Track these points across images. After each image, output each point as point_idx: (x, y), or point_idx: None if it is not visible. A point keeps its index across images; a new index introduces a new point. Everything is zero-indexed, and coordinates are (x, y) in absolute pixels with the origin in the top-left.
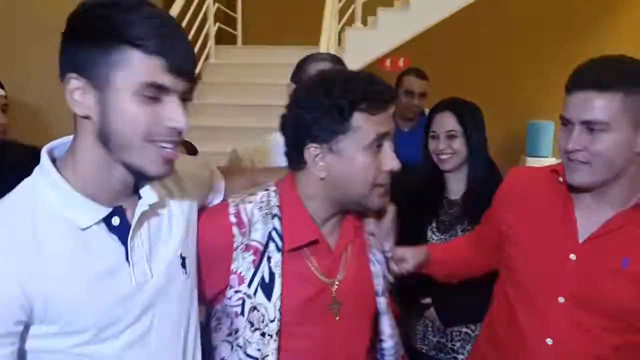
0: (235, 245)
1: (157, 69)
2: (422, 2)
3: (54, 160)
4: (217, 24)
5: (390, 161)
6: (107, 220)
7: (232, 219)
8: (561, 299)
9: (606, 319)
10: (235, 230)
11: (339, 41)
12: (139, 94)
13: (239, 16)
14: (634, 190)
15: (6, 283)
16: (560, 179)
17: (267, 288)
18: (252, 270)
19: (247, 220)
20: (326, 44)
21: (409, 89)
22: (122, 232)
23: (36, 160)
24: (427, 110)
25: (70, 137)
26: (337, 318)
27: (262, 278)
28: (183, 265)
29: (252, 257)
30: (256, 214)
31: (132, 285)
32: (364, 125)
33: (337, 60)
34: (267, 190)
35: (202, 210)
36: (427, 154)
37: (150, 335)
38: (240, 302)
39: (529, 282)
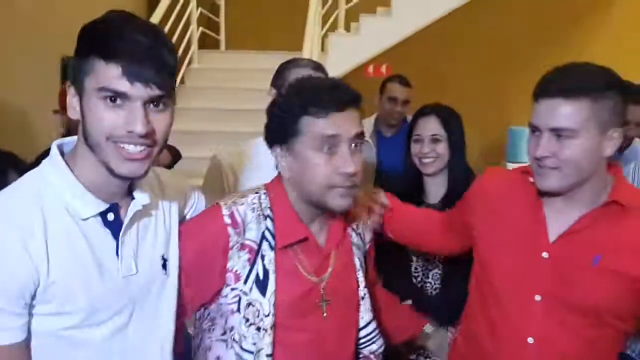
0: (231, 244)
1: (113, 75)
2: (405, 9)
3: (62, 155)
4: (200, 28)
5: (344, 164)
6: (103, 214)
7: (227, 219)
8: (537, 297)
9: (582, 315)
10: (230, 230)
11: (322, 47)
12: (98, 98)
13: (222, 21)
14: (601, 190)
15: (22, 261)
16: (531, 179)
17: (261, 285)
18: (247, 268)
19: (241, 220)
20: (309, 49)
21: (392, 96)
22: (115, 228)
23: (10, 166)
24: (409, 117)
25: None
26: (325, 315)
27: (257, 275)
28: (164, 266)
29: (247, 256)
30: (249, 214)
31: (119, 277)
32: (312, 128)
33: (317, 66)
34: (257, 193)
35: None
36: (409, 158)
37: (128, 328)
38: (236, 299)
39: (504, 281)
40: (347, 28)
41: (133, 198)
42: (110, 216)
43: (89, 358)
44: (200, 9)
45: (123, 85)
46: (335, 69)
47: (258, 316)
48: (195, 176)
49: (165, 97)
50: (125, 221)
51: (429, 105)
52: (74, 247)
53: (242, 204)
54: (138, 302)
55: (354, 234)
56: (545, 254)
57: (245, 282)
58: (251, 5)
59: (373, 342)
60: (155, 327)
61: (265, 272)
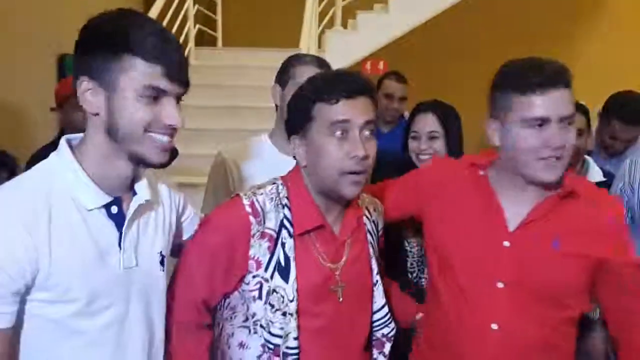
0: (252, 232)
1: (156, 74)
2: (402, 6)
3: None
4: (197, 25)
5: (355, 148)
6: (107, 207)
7: (248, 209)
8: (500, 284)
9: (543, 299)
10: (251, 218)
11: (319, 44)
12: (140, 94)
13: (219, 18)
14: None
15: (20, 246)
16: (481, 172)
17: (284, 271)
18: (267, 256)
19: (260, 209)
20: (306, 46)
21: (388, 92)
22: (119, 220)
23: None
24: (406, 114)
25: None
26: (341, 299)
27: (278, 262)
28: (162, 262)
29: (267, 244)
30: (268, 204)
31: (120, 269)
32: (324, 113)
33: (322, 63)
34: (274, 184)
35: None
36: (406, 154)
37: (125, 320)
38: (258, 286)
39: (466, 271)
40: (344, 25)
41: (134, 193)
42: (114, 209)
43: (84, 347)
44: (197, 6)
45: (164, 83)
46: (333, 65)
47: (283, 302)
48: (192, 174)
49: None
50: (129, 214)
51: (427, 102)
52: (77, 236)
53: (262, 194)
54: (136, 295)
55: (368, 222)
56: (506, 243)
57: (266, 269)
58: (248, 2)
59: (386, 326)
60: (150, 320)
61: (287, 259)
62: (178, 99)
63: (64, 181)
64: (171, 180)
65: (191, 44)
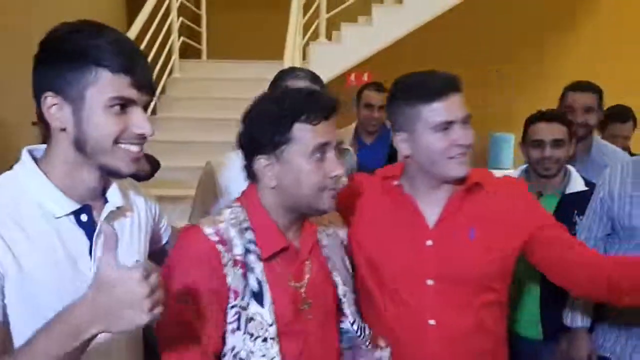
0: (224, 261)
1: (123, 85)
2: (385, 18)
3: (33, 158)
4: (182, 38)
5: (334, 167)
6: (76, 215)
7: (214, 237)
8: (429, 282)
9: (471, 288)
10: (219, 247)
11: (304, 56)
12: (108, 106)
13: (203, 30)
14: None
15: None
16: (395, 182)
17: (258, 296)
18: (243, 283)
19: (226, 237)
20: (291, 58)
21: (368, 103)
22: (89, 229)
23: None
24: (388, 123)
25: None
26: (310, 317)
27: (252, 289)
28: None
29: (241, 271)
30: (231, 230)
31: (88, 277)
32: (305, 135)
33: (314, 78)
34: (231, 207)
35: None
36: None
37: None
38: (236, 316)
39: (396, 275)
40: (329, 37)
41: (106, 201)
42: (84, 217)
43: None
44: (181, 18)
45: (132, 93)
46: None
47: (262, 327)
48: (177, 186)
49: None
50: (100, 221)
51: None
52: (48, 244)
53: (222, 221)
54: None
55: (324, 236)
56: (429, 242)
57: (243, 297)
58: (232, 14)
59: (360, 335)
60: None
61: (259, 283)
62: (145, 107)
63: (30, 191)
64: (147, 191)
65: (175, 56)
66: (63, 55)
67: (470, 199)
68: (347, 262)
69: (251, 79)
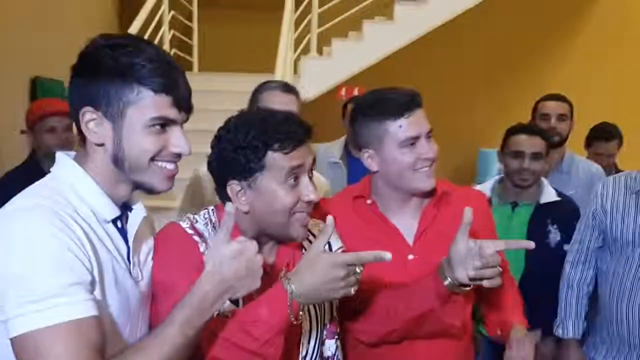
0: (202, 250)
1: (165, 105)
2: (375, 34)
3: None
4: (173, 50)
5: (308, 192)
6: (114, 221)
7: (190, 230)
8: None
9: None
10: (197, 238)
11: (295, 70)
12: (149, 126)
13: (194, 43)
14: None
15: (77, 248)
16: (369, 201)
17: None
18: None
19: (201, 232)
20: (281, 72)
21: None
22: (124, 235)
23: None
24: None
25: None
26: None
27: None
28: (150, 275)
29: None
30: (204, 229)
31: (132, 280)
32: (278, 162)
33: (288, 88)
34: (205, 209)
35: None
36: None
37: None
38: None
39: (380, 295)
40: (320, 52)
41: (127, 209)
42: (119, 223)
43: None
44: (172, 31)
45: (172, 112)
46: (308, 91)
47: None
48: (167, 197)
49: None
50: (133, 228)
51: None
52: (105, 247)
53: (197, 221)
54: (141, 308)
55: (308, 245)
56: (410, 256)
57: None
58: (224, 27)
59: (328, 349)
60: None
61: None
62: (182, 124)
63: (81, 194)
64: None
65: None
66: (103, 71)
67: (441, 209)
68: None
69: (242, 92)
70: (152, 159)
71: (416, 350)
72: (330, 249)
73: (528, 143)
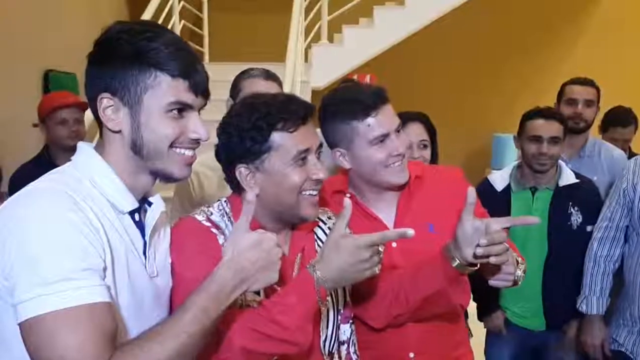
0: (221, 242)
1: (182, 89)
2: (387, 20)
3: None
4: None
5: (316, 171)
6: (132, 214)
7: (206, 223)
8: None
9: None
10: (214, 230)
11: (306, 58)
12: (166, 111)
13: (205, 33)
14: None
15: (92, 234)
16: (347, 194)
17: None
18: None
19: (217, 223)
20: (293, 60)
21: None
22: (141, 228)
23: None
24: None
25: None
26: None
27: None
28: (171, 273)
29: None
30: (220, 220)
31: (147, 276)
32: (284, 142)
33: (269, 75)
34: (218, 201)
35: None
36: None
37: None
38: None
39: (370, 283)
40: (331, 39)
41: (146, 203)
42: (137, 216)
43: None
44: (183, 21)
45: (190, 97)
46: (319, 79)
47: None
48: (170, 189)
49: None
50: (151, 222)
51: (409, 112)
52: (121, 238)
53: (212, 213)
54: (157, 304)
55: (320, 232)
56: (394, 244)
57: None
58: (234, 17)
59: (343, 333)
60: None
61: None
62: (199, 111)
63: (100, 183)
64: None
65: None
66: (120, 57)
67: (417, 194)
68: None
69: None
70: (171, 146)
71: (411, 334)
72: None
73: (545, 128)
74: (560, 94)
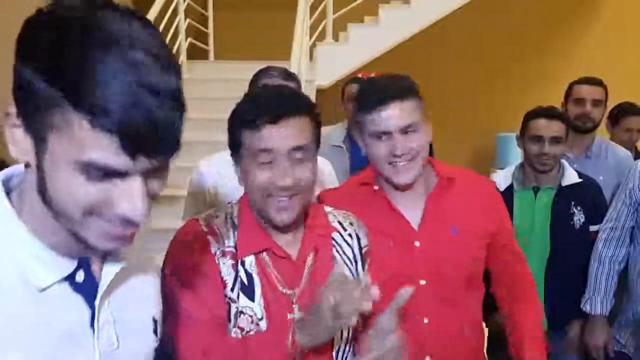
0: (213, 250)
1: (106, 146)
2: (392, 19)
3: (8, 192)
4: (189, 39)
5: (278, 177)
6: (69, 276)
7: (205, 228)
8: (422, 282)
9: (462, 284)
10: (210, 237)
11: (311, 56)
12: (79, 169)
13: (210, 31)
14: (429, 174)
15: None
16: (375, 187)
17: (248, 290)
18: (232, 274)
19: (218, 231)
20: (298, 59)
21: (351, 95)
22: (88, 290)
23: None
24: None
25: None
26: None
27: (242, 282)
28: (155, 331)
29: (230, 261)
30: (222, 227)
31: (96, 356)
32: (250, 140)
33: (288, 75)
34: (229, 203)
35: None
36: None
37: None
38: (227, 307)
39: (391, 279)
40: (336, 38)
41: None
42: (80, 276)
43: None
44: (188, 19)
45: (121, 161)
46: (324, 78)
47: (252, 322)
48: (183, 187)
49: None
50: (103, 284)
51: None
52: (26, 327)
53: (217, 217)
54: None
55: (340, 240)
56: (417, 243)
57: (232, 289)
58: (239, 15)
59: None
60: None
61: (249, 277)
62: (156, 170)
63: (5, 249)
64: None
65: (183, 57)
66: (31, 62)
67: (446, 195)
68: (360, 269)
69: None
70: (89, 213)
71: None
72: (359, 243)
73: (547, 127)
74: (568, 93)
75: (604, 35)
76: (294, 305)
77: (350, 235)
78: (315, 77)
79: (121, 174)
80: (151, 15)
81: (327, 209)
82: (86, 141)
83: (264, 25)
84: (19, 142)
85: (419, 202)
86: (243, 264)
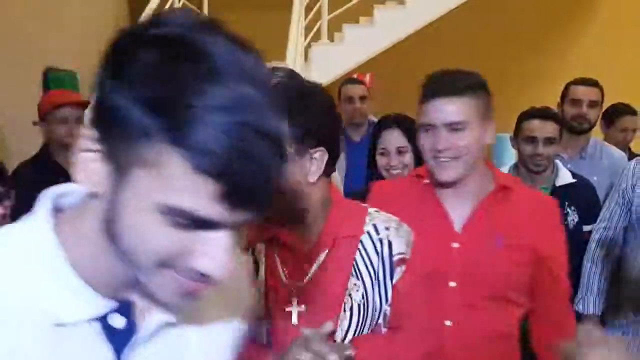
0: None
1: (205, 195)
2: (387, 19)
3: (58, 210)
4: None
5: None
6: (103, 318)
7: None
8: (452, 284)
9: (490, 294)
10: None
11: (306, 57)
12: (162, 212)
13: None
14: (485, 179)
15: None
16: (426, 180)
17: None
18: None
19: None
20: (293, 59)
21: (348, 96)
22: (121, 340)
23: None
24: (371, 117)
25: None
26: (295, 322)
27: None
28: None
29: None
30: None
31: None
32: None
33: (292, 75)
34: None
35: None
36: (375, 169)
37: None
38: None
39: (422, 275)
40: (331, 38)
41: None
42: (116, 321)
43: None
44: None
45: (216, 211)
46: (319, 78)
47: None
48: None
49: None
50: (143, 332)
51: (390, 117)
52: None
53: None
54: None
55: (368, 243)
56: (455, 244)
57: None
58: (234, 15)
59: None
60: None
61: (255, 262)
62: (239, 225)
63: (32, 277)
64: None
65: None
66: (131, 82)
67: (499, 204)
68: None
69: None
70: (161, 265)
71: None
72: (390, 250)
73: (540, 128)
74: (564, 94)
75: (600, 36)
76: (290, 297)
77: (380, 240)
78: (310, 77)
79: (211, 225)
80: (146, 14)
81: (371, 210)
82: (179, 183)
83: (259, 25)
84: (92, 170)
85: (468, 204)
86: (253, 250)
